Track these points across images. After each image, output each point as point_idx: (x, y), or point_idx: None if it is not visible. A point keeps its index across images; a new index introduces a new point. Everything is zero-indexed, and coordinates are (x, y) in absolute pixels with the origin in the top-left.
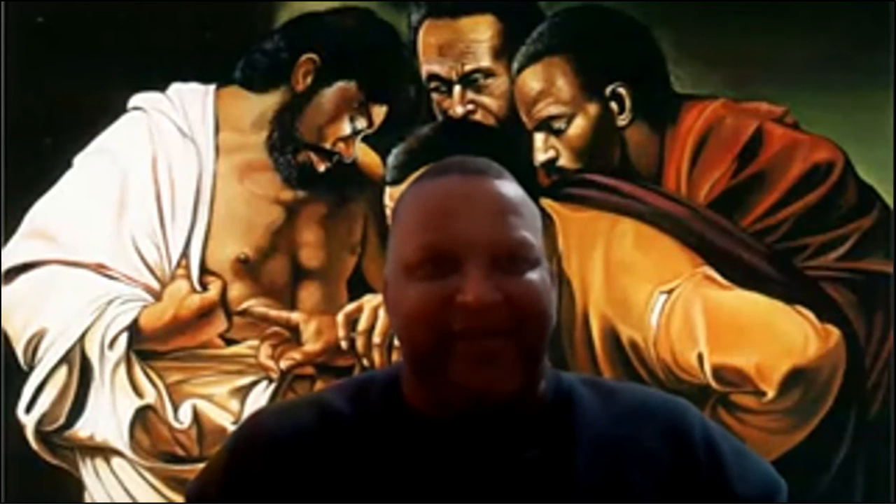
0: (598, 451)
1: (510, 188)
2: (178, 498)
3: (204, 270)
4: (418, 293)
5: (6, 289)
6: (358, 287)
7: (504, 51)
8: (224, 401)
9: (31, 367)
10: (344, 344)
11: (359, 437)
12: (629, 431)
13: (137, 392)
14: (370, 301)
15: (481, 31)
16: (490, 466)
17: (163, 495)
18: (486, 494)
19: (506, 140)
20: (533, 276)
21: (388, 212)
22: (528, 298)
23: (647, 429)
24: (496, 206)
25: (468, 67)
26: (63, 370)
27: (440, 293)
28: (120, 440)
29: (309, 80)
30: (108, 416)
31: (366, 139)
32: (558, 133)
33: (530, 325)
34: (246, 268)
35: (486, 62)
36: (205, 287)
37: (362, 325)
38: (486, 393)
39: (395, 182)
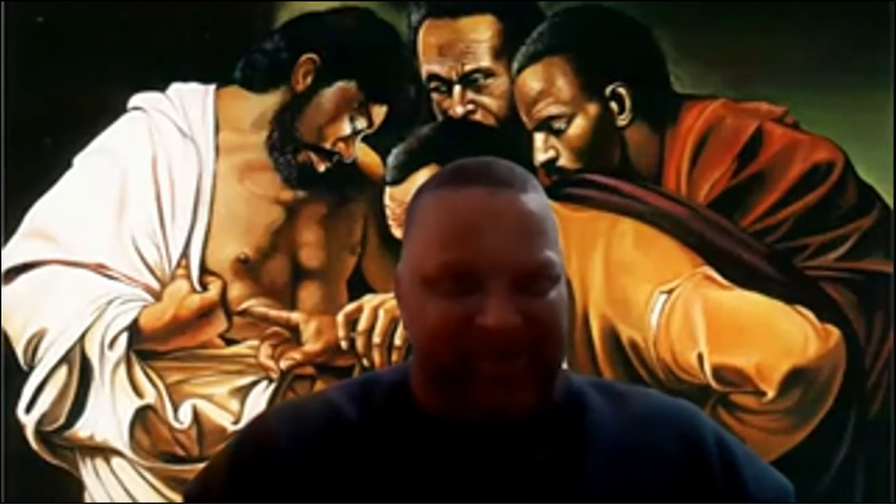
0: (608, 454)
1: (534, 201)
2: (178, 498)
3: (204, 270)
4: (439, 311)
5: (6, 289)
6: (358, 287)
7: (504, 51)
8: (224, 401)
9: (31, 367)
10: (344, 344)
11: (366, 438)
12: (640, 435)
13: (137, 392)
14: (370, 301)
15: (481, 31)
16: (500, 467)
17: (163, 495)
18: (496, 495)
19: (506, 140)
20: (553, 294)
21: (389, 212)
22: (547, 321)
23: (658, 433)
24: (521, 226)
25: (468, 67)
26: (63, 370)
27: (461, 313)
28: (120, 440)
29: (309, 80)
30: (108, 416)
31: (366, 139)
32: (558, 133)
33: (548, 346)
34: (246, 268)
35: (486, 62)
36: (205, 287)
37: (362, 325)
38: (502, 412)
39: (395, 182)
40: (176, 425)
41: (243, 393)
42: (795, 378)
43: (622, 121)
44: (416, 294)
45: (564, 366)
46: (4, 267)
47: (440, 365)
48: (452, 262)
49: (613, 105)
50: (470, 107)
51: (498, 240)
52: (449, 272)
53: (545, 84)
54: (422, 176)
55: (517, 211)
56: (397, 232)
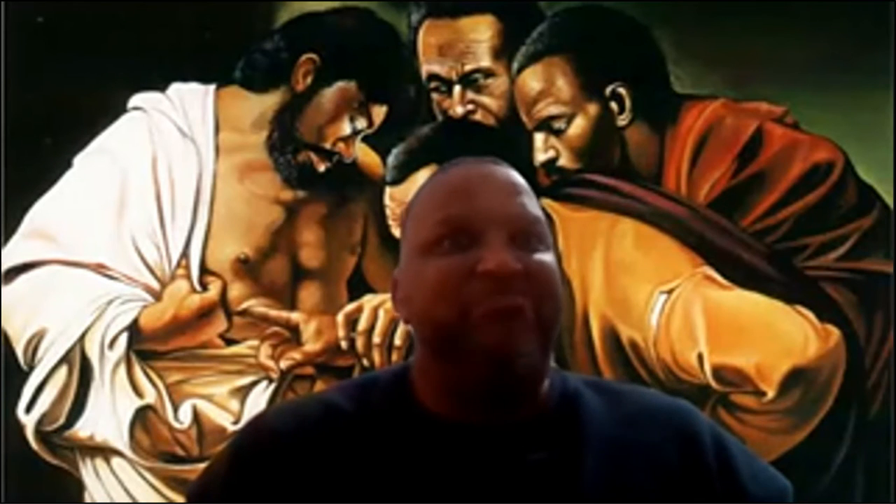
0: (604, 455)
1: (521, 177)
2: (178, 498)
3: (204, 270)
4: (438, 269)
5: (6, 289)
6: (358, 287)
7: (504, 51)
8: (224, 401)
9: (31, 367)
10: (344, 344)
11: (365, 437)
12: (636, 435)
13: (137, 392)
14: (370, 301)
15: (481, 31)
16: (496, 468)
17: (163, 495)
18: (494, 495)
19: (506, 140)
20: (547, 257)
21: (389, 212)
22: (544, 276)
23: (654, 432)
24: (511, 187)
25: (468, 67)
26: (63, 370)
27: (461, 265)
28: (120, 440)
29: (309, 80)
30: (108, 416)
31: (366, 139)
32: (558, 133)
33: (546, 299)
34: (246, 268)
35: (486, 62)
36: (205, 287)
37: (362, 325)
38: (505, 350)
39: (395, 182)
40: (176, 425)
41: (243, 393)
42: (795, 378)
43: (622, 121)
44: (415, 268)
45: (553, 364)
46: (4, 267)
47: (443, 323)
48: (449, 217)
49: (613, 105)
50: (470, 107)
51: (491, 197)
52: (447, 229)
53: (545, 84)
54: (422, 176)
55: (507, 176)
56: (397, 232)
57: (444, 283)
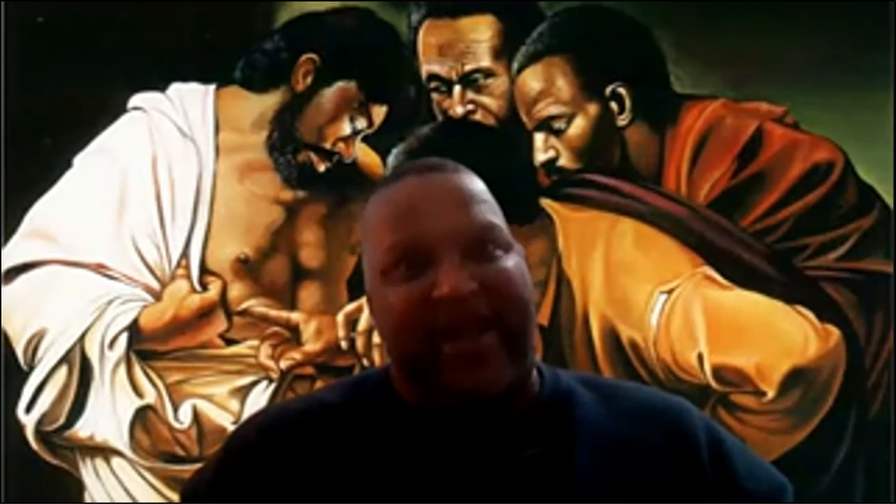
0: (598, 450)
1: (469, 180)
2: (178, 498)
3: (204, 270)
4: (397, 296)
5: (6, 289)
6: (358, 287)
7: (504, 51)
8: (224, 401)
9: (31, 367)
10: (344, 344)
11: (354, 434)
12: (630, 431)
13: (137, 392)
14: None
15: (481, 31)
16: (487, 464)
17: (163, 495)
18: (483, 492)
19: (506, 140)
20: (507, 262)
21: None
22: (503, 284)
23: (648, 428)
24: (458, 197)
25: (468, 67)
26: (63, 370)
27: (417, 292)
28: (120, 440)
29: (309, 80)
30: (108, 416)
31: (366, 139)
32: (558, 133)
33: (510, 311)
34: (246, 268)
35: (486, 62)
36: (205, 287)
37: (362, 325)
38: (476, 394)
39: None
40: (176, 425)
41: (243, 393)
42: (795, 378)
43: (622, 121)
44: (379, 293)
45: (539, 358)
46: (4, 267)
47: (408, 353)
48: (398, 243)
49: (613, 105)
50: (470, 107)
51: (438, 214)
52: (398, 255)
53: (545, 84)
54: None
55: (452, 186)
56: None
57: (406, 313)
